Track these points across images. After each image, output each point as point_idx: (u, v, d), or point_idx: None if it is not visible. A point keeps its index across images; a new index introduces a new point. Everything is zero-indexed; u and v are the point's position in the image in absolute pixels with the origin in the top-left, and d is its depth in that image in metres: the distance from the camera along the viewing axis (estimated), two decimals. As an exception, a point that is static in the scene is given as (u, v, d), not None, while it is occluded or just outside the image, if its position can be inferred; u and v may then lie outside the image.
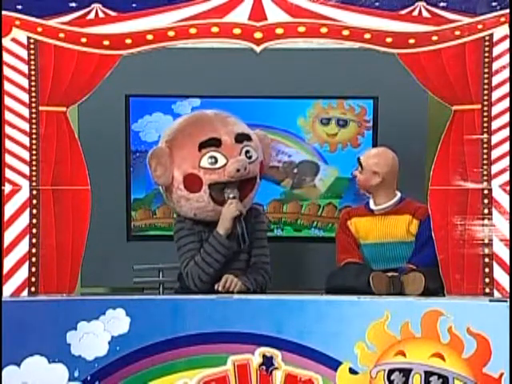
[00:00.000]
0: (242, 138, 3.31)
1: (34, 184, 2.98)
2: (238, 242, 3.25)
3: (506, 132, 2.94)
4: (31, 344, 2.77)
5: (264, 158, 3.43)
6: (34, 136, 2.98)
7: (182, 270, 3.30)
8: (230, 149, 3.26)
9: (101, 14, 2.97)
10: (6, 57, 2.97)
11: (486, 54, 2.95)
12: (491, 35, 2.95)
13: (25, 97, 2.98)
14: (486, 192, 2.96)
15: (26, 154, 2.98)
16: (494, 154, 2.95)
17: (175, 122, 3.48)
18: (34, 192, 2.98)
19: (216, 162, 3.24)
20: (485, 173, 2.96)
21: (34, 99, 2.98)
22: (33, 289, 2.96)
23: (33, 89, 2.98)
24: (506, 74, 2.94)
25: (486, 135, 2.96)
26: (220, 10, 2.95)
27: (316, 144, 4.35)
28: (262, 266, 3.37)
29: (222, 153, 3.25)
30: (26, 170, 2.98)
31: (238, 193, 3.28)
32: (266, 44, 2.98)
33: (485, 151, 2.96)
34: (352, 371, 2.76)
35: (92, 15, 2.97)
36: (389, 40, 2.96)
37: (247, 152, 3.30)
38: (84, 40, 2.96)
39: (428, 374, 2.74)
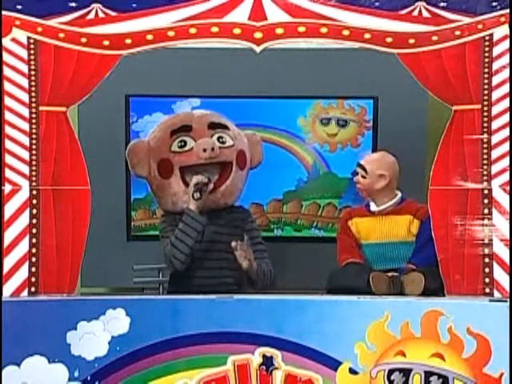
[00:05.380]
0: (215, 125, 3.36)
1: (34, 184, 2.98)
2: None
3: (506, 132, 2.94)
4: (31, 344, 2.77)
5: (253, 155, 3.47)
6: (34, 136, 2.98)
7: (164, 255, 3.28)
8: (201, 133, 3.32)
9: (101, 14, 2.97)
10: (6, 57, 2.97)
11: (486, 54, 2.95)
12: (491, 35, 2.94)
13: (25, 97, 2.98)
14: (486, 192, 2.95)
15: (25, 154, 2.98)
16: (494, 153, 2.95)
17: None
18: (34, 192, 2.98)
19: (185, 145, 3.30)
20: (485, 173, 2.95)
21: (33, 99, 2.98)
22: (33, 289, 2.95)
23: (33, 89, 2.98)
24: (506, 73, 2.94)
25: (486, 135, 2.96)
26: (220, 10, 2.96)
27: (316, 144, 4.35)
28: (264, 257, 3.36)
29: (192, 136, 3.31)
30: (26, 170, 2.98)
31: (207, 177, 3.25)
32: (266, 44, 2.98)
33: (485, 151, 2.96)
34: (352, 371, 2.76)
35: (92, 15, 2.97)
36: (389, 40, 2.96)
37: (220, 138, 3.34)
38: (84, 40, 2.96)
39: (428, 374, 2.74)
